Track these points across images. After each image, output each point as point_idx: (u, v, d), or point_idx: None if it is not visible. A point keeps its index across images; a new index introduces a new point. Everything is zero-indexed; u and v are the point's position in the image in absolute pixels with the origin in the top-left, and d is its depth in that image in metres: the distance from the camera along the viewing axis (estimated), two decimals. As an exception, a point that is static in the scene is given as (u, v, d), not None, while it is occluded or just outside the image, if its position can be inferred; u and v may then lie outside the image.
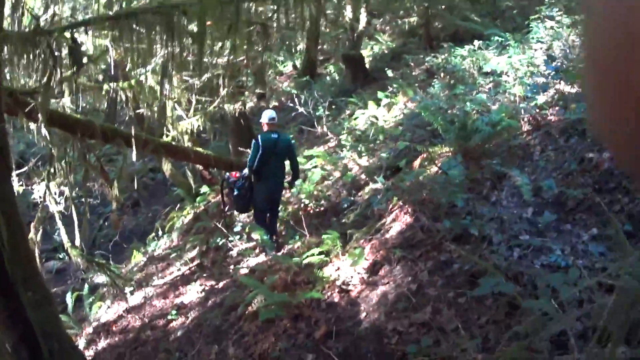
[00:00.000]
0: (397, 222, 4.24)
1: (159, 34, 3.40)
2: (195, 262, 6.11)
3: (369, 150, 6.47)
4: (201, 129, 6.84)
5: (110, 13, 4.09)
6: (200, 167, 7.73)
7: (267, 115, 5.33)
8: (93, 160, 5.02)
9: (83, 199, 5.34)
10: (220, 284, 5.16)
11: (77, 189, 5.53)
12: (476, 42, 6.95)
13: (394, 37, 12.30)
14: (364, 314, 3.37)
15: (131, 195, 9.71)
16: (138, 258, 7.32)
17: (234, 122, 8.29)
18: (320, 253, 4.36)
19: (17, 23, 3.67)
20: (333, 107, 8.88)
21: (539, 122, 4.65)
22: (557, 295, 2.37)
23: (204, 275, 5.67)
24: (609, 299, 2.38)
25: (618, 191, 3.36)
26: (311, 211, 5.83)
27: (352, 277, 3.86)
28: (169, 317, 4.90)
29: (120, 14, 3.57)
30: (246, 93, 8.38)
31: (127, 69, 6.10)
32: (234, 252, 5.80)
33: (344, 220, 5.24)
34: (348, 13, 10.70)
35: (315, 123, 8.47)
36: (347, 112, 8.75)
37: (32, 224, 4.66)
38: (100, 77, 7.30)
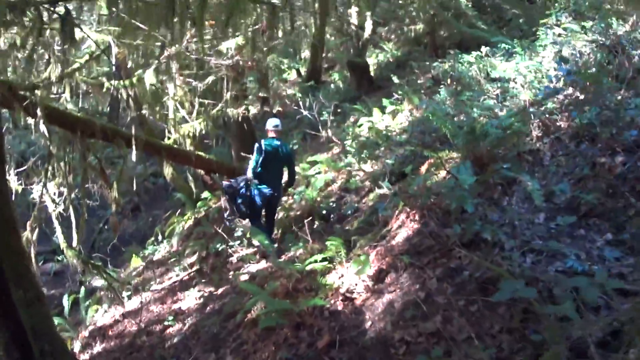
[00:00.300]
0: (404, 228, 4.10)
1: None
2: (195, 268, 6.00)
3: (374, 157, 6.37)
4: (204, 132, 6.77)
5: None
6: (202, 172, 7.65)
7: (271, 123, 5.56)
8: (94, 162, 4.94)
9: (81, 200, 5.25)
10: (219, 290, 5.04)
11: (76, 190, 5.45)
12: (483, 49, 6.88)
13: (400, 45, 12.27)
14: (369, 323, 3.22)
15: (132, 200, 9.63)
16: (137, 262, 7.21)
17: (237, 128, 8.22)
18: (323, 260, 4.22)
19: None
20: (339, 110, 8.80)
21: (548, 128, 4.54)
22: (576, 301, 2.24)
23: (203, 281, 5.55)
24: (628, 304, 2.26)
25: (632, 195, 3.25)
26: (314, 217, 5.72)
27: (356, 284, 3.71)
28: (166, 323, 4.79)
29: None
30: (250, 97, 8.32)
31: (128, 67, 6.02)
32: (234, 258, 5.69)
33: (347, 227, 5.13)
34: (353, 20, 10.68)
35: (320, 128, 8.39)
36: (352, 119, 8.67)
37: (28, 223, 4.56)
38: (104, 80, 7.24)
